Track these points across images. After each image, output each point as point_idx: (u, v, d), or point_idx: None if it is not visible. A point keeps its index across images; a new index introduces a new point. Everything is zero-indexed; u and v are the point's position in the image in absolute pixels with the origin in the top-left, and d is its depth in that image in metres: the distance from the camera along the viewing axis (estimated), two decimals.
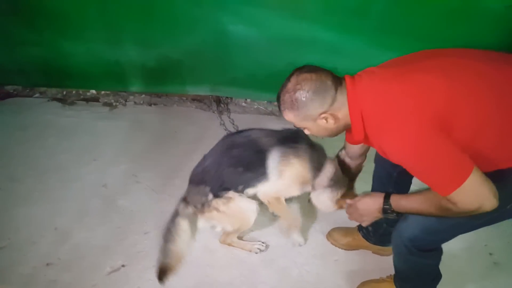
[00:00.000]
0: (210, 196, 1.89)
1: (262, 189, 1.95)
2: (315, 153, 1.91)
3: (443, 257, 2.14)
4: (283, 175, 1.89)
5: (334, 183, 1.91)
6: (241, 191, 1.92)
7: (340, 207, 1.93)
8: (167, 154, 2.77)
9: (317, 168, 1.90)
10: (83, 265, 1.98)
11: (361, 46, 2.73)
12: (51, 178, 2.51)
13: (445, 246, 2.22)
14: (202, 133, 2.96)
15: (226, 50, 2.99)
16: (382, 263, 2.09)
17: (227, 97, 3.36)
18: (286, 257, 2.10)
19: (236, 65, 3.04)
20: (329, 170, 1.90)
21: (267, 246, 2.15)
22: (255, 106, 3.36)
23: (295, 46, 2.84)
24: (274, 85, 3.16)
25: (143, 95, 3.42)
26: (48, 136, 2.92)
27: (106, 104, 3.38)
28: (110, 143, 2.87)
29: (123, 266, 1.99)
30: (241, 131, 2.03)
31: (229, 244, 2.11)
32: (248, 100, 3.38)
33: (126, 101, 3.40)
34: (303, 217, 2.29)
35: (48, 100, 3.41)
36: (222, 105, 3.32)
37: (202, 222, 1.97)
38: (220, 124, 3.08)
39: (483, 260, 2.16)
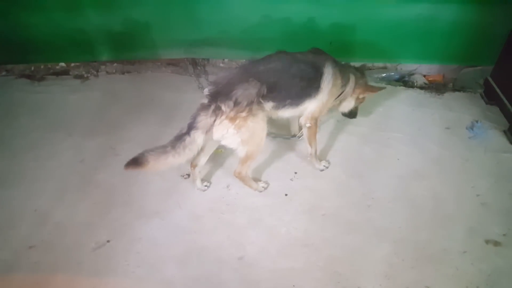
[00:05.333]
0: (256, 101, 1.87)
1: (310, 107, 2.14)
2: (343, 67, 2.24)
3: (431, 202, 2.16)
4: (332, 89, 2.15)
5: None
6: (282, 107, 2.03)
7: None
8: (145, 123, 2.66)
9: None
10: (66, 244, 1.94)
11: None
12: (26, 158, 2.42)
13: (433, 190, 2.23)
14: (179, 98, 2.84)
15: (196, 7, 2.81)
16: (367, 213, 2.09)
17: (203, 59, 3.21)
18: (273, 216, 2.08)
19: (209, 23, 2.88)
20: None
21: (268, 184, 2.25)
22: (234, 66, 3.22)
23: None
24: (250, 42, 3.06)
25: (115, 64, 3.25)
26: (19, 114, 2.79)
27: (77, 76, 3.22)
28: (84, 116, 2.76)
29: (108, 241, 1.95)
30: (297, 52, 2.13)
31: (242, 178, 2.13)
32: (226, 60, 3.23)
33: (97, 71, 3.23)
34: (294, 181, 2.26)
35: (16, 78, 3.24)
36: (199, 68, 3.18)
37: (221, 132, 1.87)
38: (198, 88, 2.96)
39: (470, 202, 2.16)
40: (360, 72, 2.39)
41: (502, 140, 2.57)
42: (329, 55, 2.21)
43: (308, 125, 2.20)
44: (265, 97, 1.92)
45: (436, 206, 2.14)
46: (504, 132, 2.61)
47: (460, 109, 2.84)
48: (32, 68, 3.31)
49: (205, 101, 1.85)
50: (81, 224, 2.03)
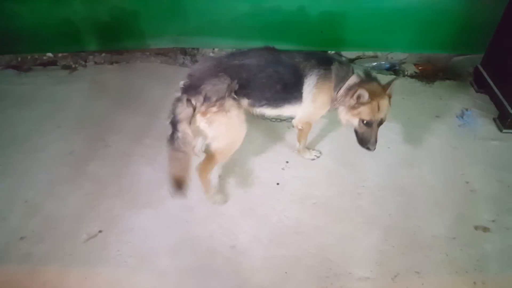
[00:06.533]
0: (231, 96, 1.81)
1: (299, 114, 2.08)
2: (342, 70, 1.98)
3: (420, 189, 2.18)
4: (316, 100, 1.99)
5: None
6: (259, 106, 1.97)
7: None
8: (134, 113, 2.64)
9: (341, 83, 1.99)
10: (58, 235, 1.92)
11: None
12: (15, 151, 2.38)
13: (423, 178, 2.26)
14: (168, 89, 2.76)
15: None
16: (357, 200, 2.11)
17: (192, 48, 3.17)
18: (264, 205, 2.09)
19: (198, 12, 2.83)
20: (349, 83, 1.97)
21: (226, 201, 2.10)
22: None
23: None
24: (240, 30, 3.03)
25: (103, 54, 3.20)
26: (6, 107, 2.74)
27: (65, 67, 3.16)
28: (72, 108, 2.72)
29: (100, 231, 1.95)
30: (285, 52, 2.01)
31: (203, 177, 1.97)
32: (216, 49, 3.19)
33: (85, 62, 3.18)
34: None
35: (2, 69, 3.17)
36: (189, 57, 3.14)
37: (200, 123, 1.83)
38: None
39: (460, 189, 2.19)
40: (367, 75, 2.00)
41: (491, 128, 2.60)
42: (332, 61, 1.98)
43: (299, 127, 2.18)
44: (238, 93, 1.84)
45: (425, 193, 2.17)
46: (494, 120, 2.64)
47: (450, 97, 2.86)
48: (19, 59, 3.24)
49: (179, 94, 1.80)
50: (72, 215, 2.01)
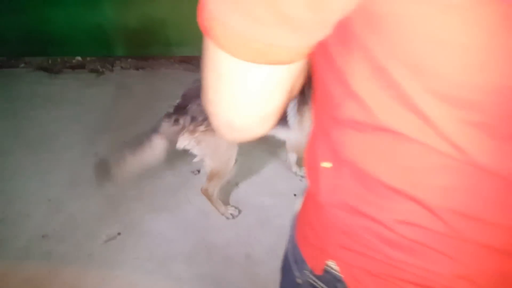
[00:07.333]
0: None
1: (293, 140, 2.04)
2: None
3: None
4: (303, 124, 1.89)
5: None
6: None
7: None
8: (157, 118, 2.68)
9: None
10: (78, 235, 1.97)
11: None
12: (41, 149, 2.47)
13: None
14: None
15: None
16: None
17: None
18: (281, 216, 2.09)
19: None
20: None
21: (240, 212, 2.10)
22: None
23: None
24: None
25: (130, 59, 3.29)
26: (36, 106, 2.84)
27: (92, 70, 3.27)
28: (99, 110, 2.80)
29: (119, 234, 1.98)
30: None
31: (209, 198, 2.03)
32: None
33: (112, 66, 3.28)
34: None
35: (34, 70, 3.30)
36: None
37: (183, 143, 1.83)
38: None
39: None
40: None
41: None
42: None
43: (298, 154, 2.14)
44: None
45: None
46: None
47: None
48: (50, 61, 3.37)
49: (171, 110, 1.83)
50: (93, 216, 2.07)
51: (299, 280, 0.68)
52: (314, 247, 0.63)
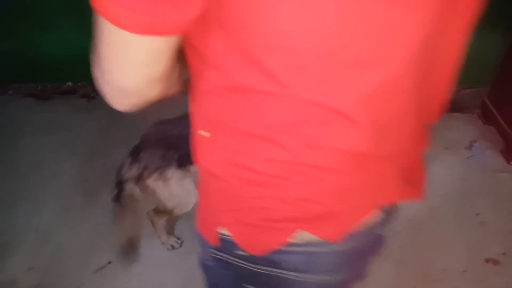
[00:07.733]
0: (174, 165, 1.70)
1: None
2: None
3: (431, 221, 2.17)
4: None
5: None
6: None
7: None
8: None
9: None
10: (67, 265, 1.94)
11: None
12: (30, 177, 2.45)
13: (433, 209, 2.24)
14: None
15: None
16: None
17: None
18: None
19: None
20: None
21: (182, 243, 2.04)
22: None
23: None
24: None
25: None
26: (25, 134, 2.83)
27: (83, 95, 3.27)
28: (89, 135, 2.80)
29: (109, 262, 1.96)
30: None
31: (153, 223, 1.96)
32: None
33: None
34: None
35: (23, 97, 3.29)
36: None
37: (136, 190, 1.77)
38: None
39: (470, 221, 2.17)
40: None
41: (499, 160, 2.59)
42: None
43: None
44: (184, 160, 1.68)
45: (436, 225, 2.15)
46: (501, 152, 2.64)
47: (458, 129, 2.87)
48: (39, 88, 3.36)
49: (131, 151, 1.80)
50: (82, 245, 2.04)
51: (209, 263, 0.77)
52: (206, 221, 0.73)
